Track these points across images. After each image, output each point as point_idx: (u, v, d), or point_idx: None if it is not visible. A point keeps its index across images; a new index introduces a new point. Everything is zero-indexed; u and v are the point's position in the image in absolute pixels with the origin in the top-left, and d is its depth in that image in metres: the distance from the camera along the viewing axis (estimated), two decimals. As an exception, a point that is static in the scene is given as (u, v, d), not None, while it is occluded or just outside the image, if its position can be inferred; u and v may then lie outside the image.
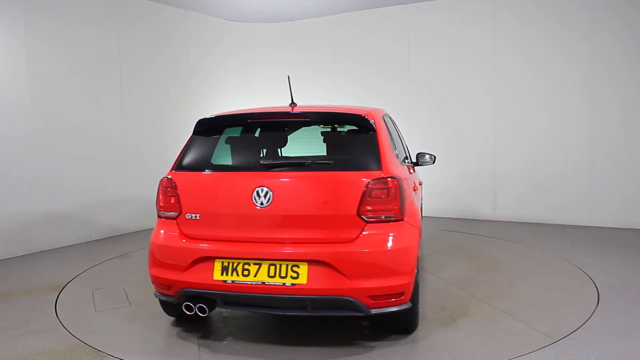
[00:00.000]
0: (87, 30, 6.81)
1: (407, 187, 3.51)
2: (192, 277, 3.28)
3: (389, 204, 3.20)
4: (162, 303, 3.77)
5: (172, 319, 3.97)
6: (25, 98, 6.17)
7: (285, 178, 3.31)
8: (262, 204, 3.23)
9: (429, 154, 5.16)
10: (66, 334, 3.74)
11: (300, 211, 3.22)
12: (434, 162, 5.23)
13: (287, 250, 3.18)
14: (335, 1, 8.09)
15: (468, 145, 7.97)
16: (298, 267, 3.13)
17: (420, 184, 5.73)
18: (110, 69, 7.14)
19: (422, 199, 5.77)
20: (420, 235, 4.84)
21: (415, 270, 3.33)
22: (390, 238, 3.18)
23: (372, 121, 3.48)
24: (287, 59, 9.30)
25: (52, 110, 6.43)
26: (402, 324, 3.54)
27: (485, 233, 6.96)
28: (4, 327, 3.88)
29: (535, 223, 7.55)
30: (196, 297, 3.30)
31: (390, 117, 4.68)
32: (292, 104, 3.96)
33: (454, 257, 5.72)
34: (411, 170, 4.93)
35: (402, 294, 3.18)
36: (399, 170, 3.52)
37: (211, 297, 3.28)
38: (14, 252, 6.12)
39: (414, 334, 3.58)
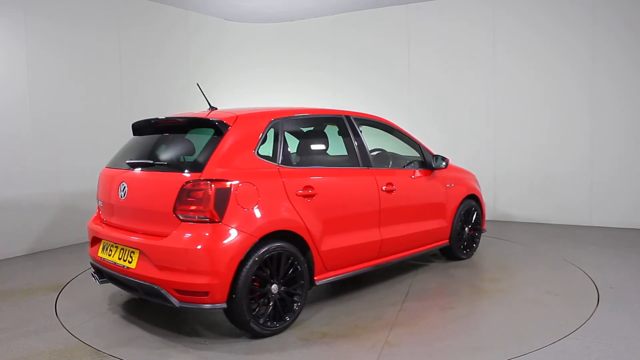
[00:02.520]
0: (87, 30, 6.81)
1: (246, 192, 3.49)
2: (92, 252, 4.09)
3: (202, 205, 3.37)
4: None
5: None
6: (26, 98, 6.17)
7: (136, 176, 3.81)
8: (121, 196, 3.81)
9: (443, 157, 5.16)
10: (66, 334, 3.74)
11: (141, 205, 3.70)
12: (446, 166, 5.20)
13: (128, 237, 3.68)
14: (335, 1, 8.09)
15: (468, 145, 7.97)
16: (134, 253, 3.62)
17: (448, 185, 5.27)
18: (110, 68, 7.14)
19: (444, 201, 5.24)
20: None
21: (231, 273, 3.35)
22: (195, 238, 3.35)
23: (223, 125, 3.64)
24: (287, 59, 9.30)
25: (52, 109, 6.43)
26: (237, 325, 3.56)
27: (484, 233, 6.94)
28: (4, 327, 3.88)
29: (536, 223, 7.55)
30: (97, 268, 4.04)
31: (347, 120, 4.50)
32: (211, 108, 4.21)
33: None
34: (415, 175, 4.90)
35: (206, 293, 3.33)
36: (239, 174, 3.51)
37: (99, 269, 3.99)
38: (14, 252, 6.12)
39: (265, 340, 3.53)
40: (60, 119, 6.53)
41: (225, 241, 3.35)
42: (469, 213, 5.59)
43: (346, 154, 4.51)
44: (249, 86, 9.25)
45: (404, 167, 5.05)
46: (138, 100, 7.49)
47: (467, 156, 7.95)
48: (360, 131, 4.60)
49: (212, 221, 3.37)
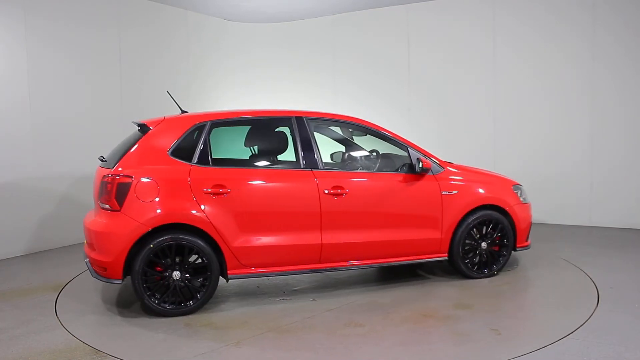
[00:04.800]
0: (87, 30, 6.81)
1: (146, 187, 3.98)
2: None
3: (107, 195, 4.02)
4: None
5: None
6: (26, 98, 6.17)
7: (96, 171, 4.46)
8: (93, 187, 4.52)
9: (422, 161, 4.58)
10: (66, 334, 3.75)
11: (94, 194, 4.33)
12: (426, 170, 4.58)
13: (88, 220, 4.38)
14: (335, 1, 8.09)
15: (468, 145, 7.96)
16: None
17: (446, 192, 4.68)
18: (110, 68, 7.13)
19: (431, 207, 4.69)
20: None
21: (124, 255, 3.89)
22: (101, 223, 4.04)
23: (144, 128, 4.26)
24: (287, 59, 9.30)
25: (52, 109, 6.43)
26: (139, 300, 4.15)
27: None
28: (4, 327, 3.89)
29: (535, 223, 7.53)
30: None
31: (297, 121, 4.44)
32: (182, 112, 4.68)
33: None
34: (391, 179, 4.53)
35: (105, 269, 3.97)
36: (144, 170, 4.02)
37: None
38: (14, 251, 6.12)
39: (161, 318, 3.98)
40: (60, 118, 6.52)
41: (120, 227, 3.93)
42: (486, 226, 4.86)
43: (283, 155, 4.58)
44: (249, 86, 9.25)
45: (397, 170, 4.69)
46: (138, 100, 7.49)
47: (467, 156, 7.94)
48: (318, 132, 4.68)
49: (114, 210, 3.97)
